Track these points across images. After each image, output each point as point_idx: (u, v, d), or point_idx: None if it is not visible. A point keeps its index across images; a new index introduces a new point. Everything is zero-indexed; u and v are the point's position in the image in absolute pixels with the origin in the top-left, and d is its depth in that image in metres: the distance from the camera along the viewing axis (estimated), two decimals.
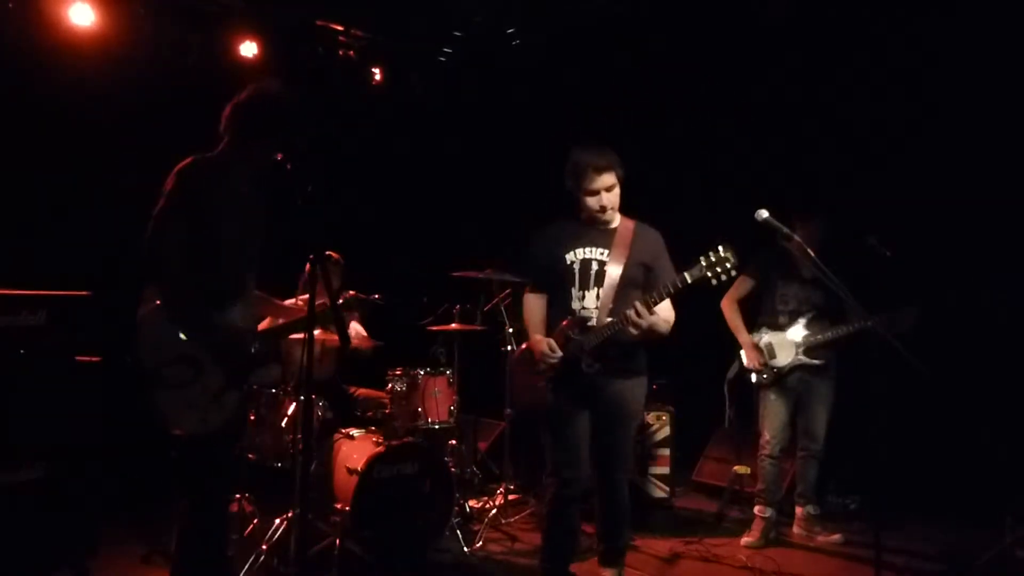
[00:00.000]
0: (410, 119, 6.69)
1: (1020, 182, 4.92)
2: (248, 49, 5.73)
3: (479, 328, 5.13)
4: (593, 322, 3.46)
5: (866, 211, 5.19)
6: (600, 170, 3.43)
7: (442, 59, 6.61)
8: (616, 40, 6.08)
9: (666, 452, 5.37)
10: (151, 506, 4.79)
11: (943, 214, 5.16)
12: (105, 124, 5.22)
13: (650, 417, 5.37)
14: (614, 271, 3.48)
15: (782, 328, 4.62)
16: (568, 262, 3.53)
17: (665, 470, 5.36)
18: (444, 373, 4.77)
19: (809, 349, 4.57)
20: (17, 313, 3.43)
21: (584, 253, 3.53)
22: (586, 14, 5.93)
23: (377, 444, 4.13)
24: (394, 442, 4.16)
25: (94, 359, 3.74)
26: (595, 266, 3.51)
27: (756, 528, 4.65)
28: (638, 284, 3.52)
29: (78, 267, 4.58)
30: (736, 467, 5.22)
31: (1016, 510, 4.26)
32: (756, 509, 4.70)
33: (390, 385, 4.58)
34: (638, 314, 3.29)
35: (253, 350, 3.01)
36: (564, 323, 3.51)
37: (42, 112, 5.01)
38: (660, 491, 5.35)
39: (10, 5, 4.89)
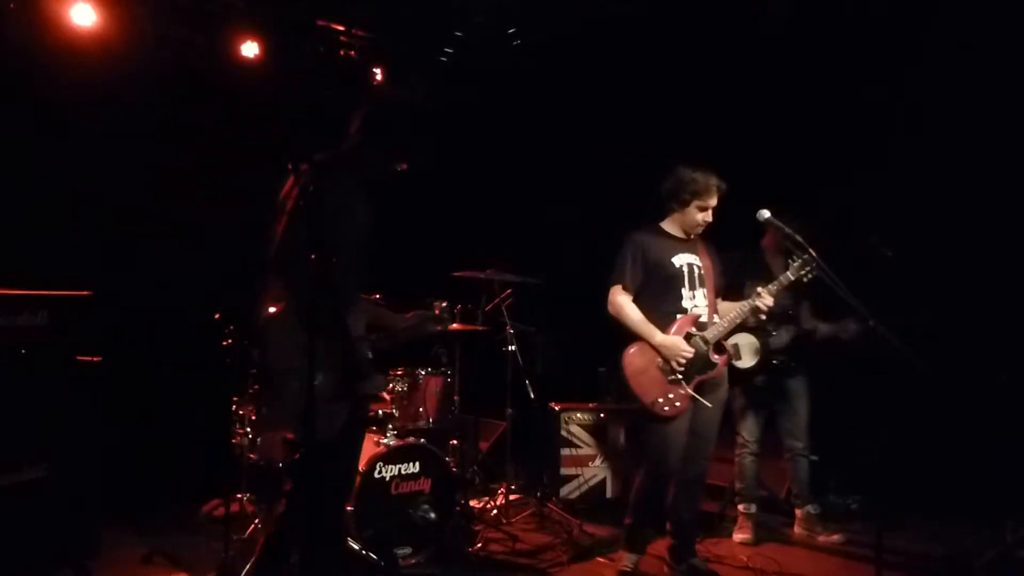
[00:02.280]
0: (410, 119, 6.67)
1: (1020, 183, 4.92)
2: (249, 49, 5.73)
3: (480, 328, 5.13)
4: (704, 319, 3.88)
5: (867, 211, 5.20)
6: (720, 191, 3.88)
7: (442, 59, 6.60)
8: (616, 40, 6.08)
9: None
10: (151, 506, 4.82)
11: (942, 214, 5.16)
12: (106, 124, 5.22)
13: None
14: (708, 274, 3.97)
15: (749, 330, 4.61)
16: (677, 265, 3.91)
17: None
18: (445, 373, 4.78)
19: (775, 351, 4.60)
20: (17, 313, 3.42)
21: (686, 258, 3.94)
22: (586, 14, 5.93)
23: (377, 444, 4.13)
24: (394, 442, 4.16)
25: (94, 359, 3.74)
26: (696, 270, 3.93)
27: (745, 525, 4.69)
28: (721, 285, 4.07)
29: (78, 267, 4.57)
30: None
31: (1016, 510, 4.26)
32: (740, 507, 4.75)
33: (391, 385, 4.58)
34: (766, 301, 3.83)
35: (369, 359, 2.93)
36: (682, 320, 3.85)
37: (43, 112, 5.01)
38: None
39: (11, 5, 4.89)
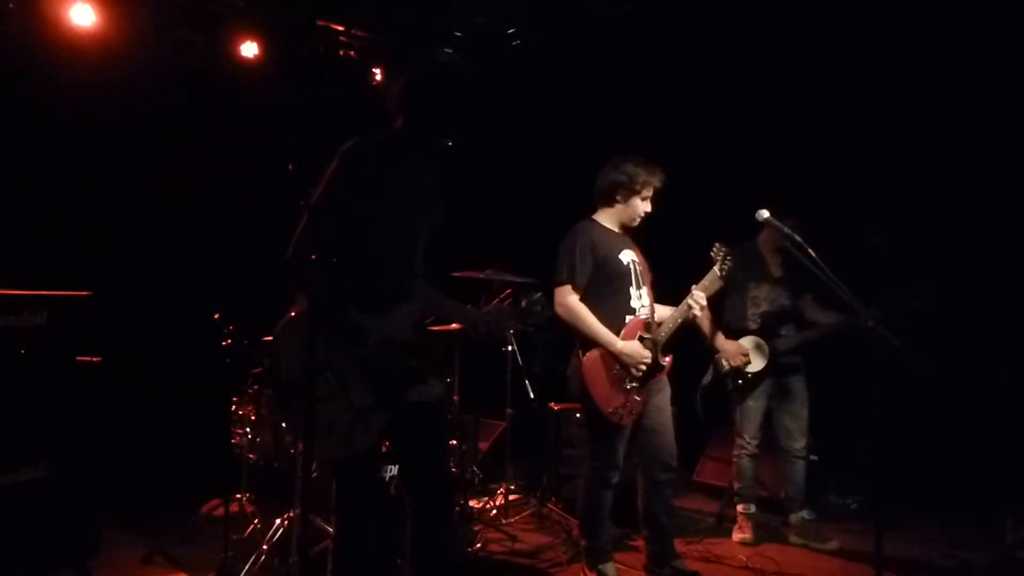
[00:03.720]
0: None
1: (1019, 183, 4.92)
2: (249, 49, 5.73)
3: None
4: (650, 321, 3.79)
5: (866, 209, 5.19)
6: (659, 180, 3.81)
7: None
8: (616, 40, 6.08)
9: None
10: (152, 506, 4.82)
11: (941, 212, 5.16)
12: (106, 124, 5.22)
13: None
14: (645, 272, 3.88)
15: (754, 332, 4.63)
16: (624, 263, 3.79)
17: None
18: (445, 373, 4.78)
19: (782, 352, 4.59)
20: (17, 313, 3.42)
21: (629, 255, 3.83)
22: (586, 14, 5.94)
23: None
24: None
25: (94, 359, 3.74)
26: (638, 267, 3.83)
27: (745, 525, 4.67)
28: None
29: (78, 267, 4.58)
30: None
31: (1016, 510, 4.26)
32: (739, 508, 4.73)
33: None
34: (699, 300, 3.76)
35: (412, 364, 2.61)
36: (633, 323, 3.74)
37: (42, 112, 5.01)
38: None
39: (11, 5, 4.89)
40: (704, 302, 3.80)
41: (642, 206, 3.85)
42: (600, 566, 3.87)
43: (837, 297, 3.47)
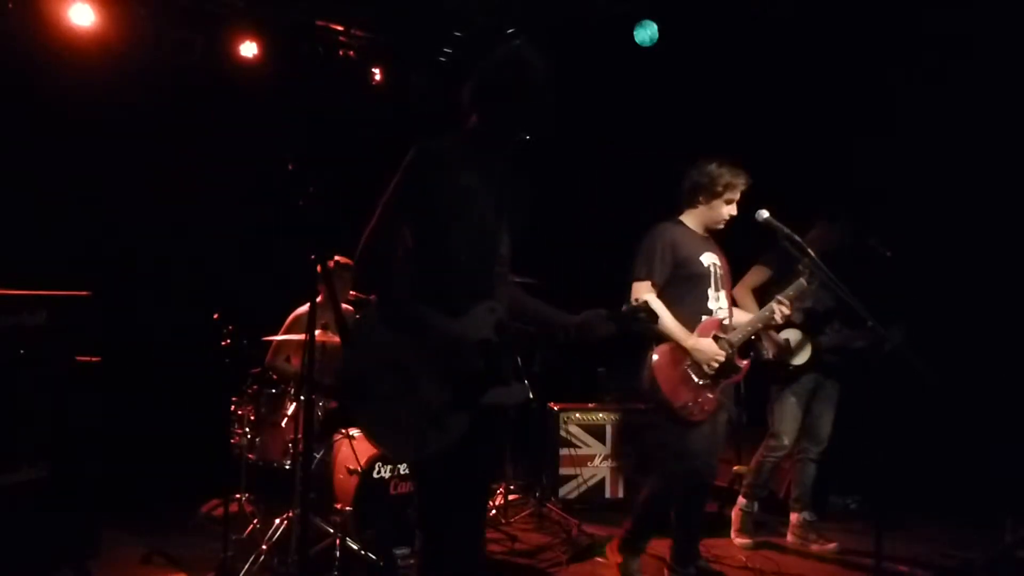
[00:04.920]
0: (410, 119, 6.68)
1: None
2: (248, 49, 5.73)
3: None
4: (726, 322, 3.79)
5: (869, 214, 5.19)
6: (748, 184, 3.80)
7: (442, 59, 6.60)
8: (616, 40, 6.08)
9: None
10: (152, 506, 4.82)
11: (941, 211, 5.17)
12: (105, 124, 5.22)
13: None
14: (726, 276, 3.89)
15: (798, 325, 4.55)
16: (705, 264, 3.79)
17: None
18: None
19: (827, 350, 4.52)
20: (17, 313, 3.42)
21: (711, 257, 3.83)
22: (586, 14, 5.93)
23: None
24: None
25: (94, 359, 3.74)
26: (718, 270, 3.84)
27: (745, 524, 4.62)
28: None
29: (78, 267, 4.58)
30: (736, 467, 5.21)
31: (1016, 510, 4.26)
32: (740, 503, 4.66)
33: None
34: (783, 311, 3.79)
35: (491, 365, 2.47)
36: (708, 322, 3.74)
37: (42, 112, 5.01)
38: None
39: (10, 5, 4.89)
40: (788, 311, 3.80)
41: (726, 209, 3.82)
42: (630, 558, 3.89)
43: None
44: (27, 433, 3.42)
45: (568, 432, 5.40)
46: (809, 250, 3.74)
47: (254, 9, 5.70)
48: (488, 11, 6.07)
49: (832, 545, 4.56)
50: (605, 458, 5.39)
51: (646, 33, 5.76)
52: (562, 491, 5.30)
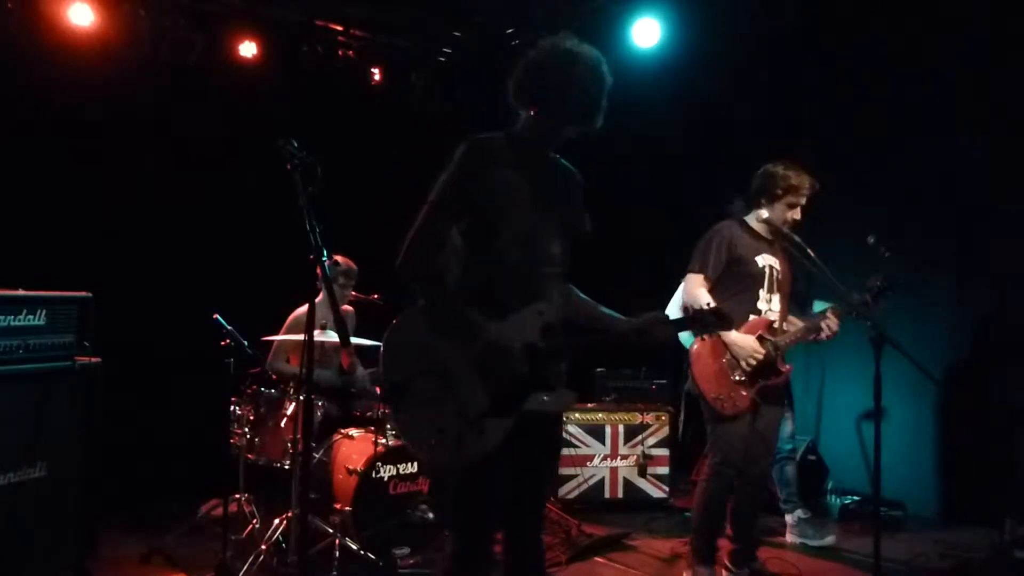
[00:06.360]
0: (410, 119, 6.68)
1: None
2: (248, 49, 5.73)
3: None
4: (776, 325, 3.80)
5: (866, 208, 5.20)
6: (814, 189, 3.80)
7: (442, 59, 6.60)
8: (613, 39, 6.08)
9: (665, 452, 5.39)
10: (151, 506, 4.82)
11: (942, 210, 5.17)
12: (105, 124, 5.21)
13: (649, 417, 5.39)
14: (784, 280, 3.89)
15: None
16: (760, 265, 3.81)
17: (664, 470, 5.38)
18: None
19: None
20: (17, 313, 3.42)
21: (767, 259, 3.84)
22: (586, 14, 5.93)
23: (376, 444, 4.13)
24: (393, 442, 4.16)
25: (94, 359, 3.74)
26: (775, 273, 3.85)
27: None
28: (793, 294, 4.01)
29: (78, 267, 4.57)
30: None
31: (1016, 511, 4.27)
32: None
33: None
34: (831, 326, 3.73)
35: (534, 370, 2.40)
36: (755, 321, 3.76)
37: (42, 112, 5.00)
38: (660, 491, 5.36)
39: (9, 5, 4.89)
40: (836, 328, 3.75)
41: (788, 212, 3.82)
42: (704, 568, 3.81)
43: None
44: (26, 433, 3.42)
45: (568, 432, 5.40)
46: (809, 251, 3.75)
47: (254, 9, 5.70)
48: (488, 11, 6.07)
49: (829, 539, 4.59)
50: (604, 458, 5.39)
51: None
52: (562, 491, 5.30)
